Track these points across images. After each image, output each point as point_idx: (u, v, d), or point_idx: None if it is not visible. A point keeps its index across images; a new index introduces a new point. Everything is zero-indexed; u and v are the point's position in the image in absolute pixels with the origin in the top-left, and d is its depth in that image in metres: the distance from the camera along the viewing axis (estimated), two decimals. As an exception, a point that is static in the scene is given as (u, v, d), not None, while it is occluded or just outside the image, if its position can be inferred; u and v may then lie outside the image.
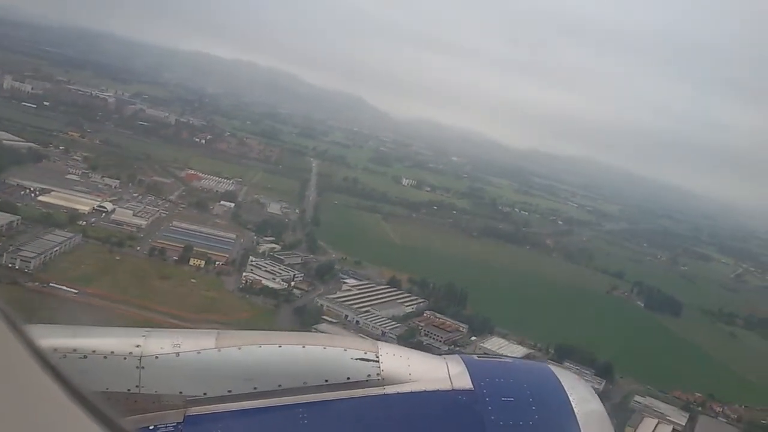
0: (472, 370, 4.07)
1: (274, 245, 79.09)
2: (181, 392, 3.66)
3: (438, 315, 69.73)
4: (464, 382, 3.96)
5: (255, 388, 3.72)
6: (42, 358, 1.46)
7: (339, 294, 69.37)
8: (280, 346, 3.86)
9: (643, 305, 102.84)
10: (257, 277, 66.08)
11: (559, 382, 4.09)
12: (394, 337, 60.33)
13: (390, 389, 3.85)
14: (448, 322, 68.51)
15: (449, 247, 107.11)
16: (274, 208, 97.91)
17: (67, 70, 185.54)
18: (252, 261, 70.89)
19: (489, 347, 62.36)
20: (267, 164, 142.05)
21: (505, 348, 64.40)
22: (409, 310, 69.83)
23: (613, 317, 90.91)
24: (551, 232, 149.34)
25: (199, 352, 3.73)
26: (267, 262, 71.80)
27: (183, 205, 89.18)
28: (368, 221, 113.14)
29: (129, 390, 3.59)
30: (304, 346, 3.89)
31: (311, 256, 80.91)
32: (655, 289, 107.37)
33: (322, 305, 64.72)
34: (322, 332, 55.64)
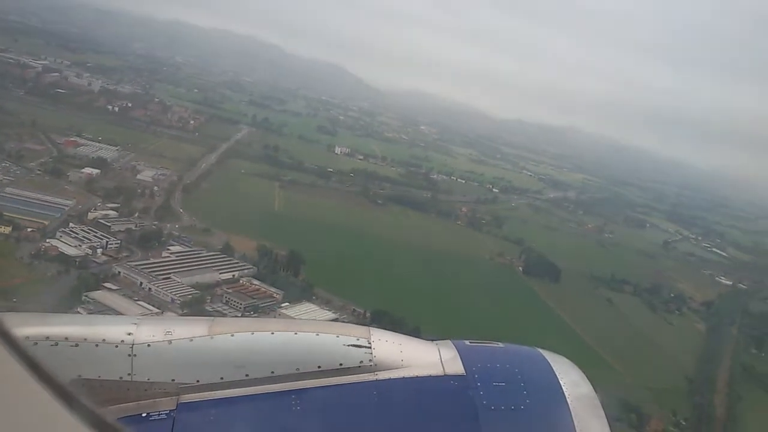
0: (464, 355, 4.13)
1: (111, 212, 77.98)
2: (173, 380, 3.67)
3: (255, 282, 68.78)
4: (456, 367, 4.02)
5: (247, 375, 3.74)
6: (13, 345, 1.42)
7: (152, 261, 68.36)
8: (272, 333, 3.88)
9: (521, 271, 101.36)
10: (60, 244, 65.33)
11: (551, 366, 4.14)
12: (179, 302, 59.54)
13: (382, 375, 3.90)
14: (262, 289, 67.38)
15: (334, 215, 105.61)
16: (147, 174, 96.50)
17: (15, 39, 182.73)
18: (69, 228, 69.94)
19: (290, 313, 61.41)
20: (181, 132, 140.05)
21: (312, 312, 63.55)
22: (225, 277, 68.70)
23: (477, 282, 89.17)
24: (474, 200, 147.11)
25: (191, 340, 3.75)
26: (86, 228, 70.78)
27: (39, 171, 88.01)
28: (261, 189, 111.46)
29: (121, 378, 3.60)
30: (296, 333, 3.91)
31: (153, 223, 79.90)
32: (542, 256, 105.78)
33: (118, 272, 63.82)
34: (94, 299, 55.11)
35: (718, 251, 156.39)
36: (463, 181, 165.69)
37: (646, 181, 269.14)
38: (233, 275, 69.64)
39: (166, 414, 3.59)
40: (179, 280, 63.89)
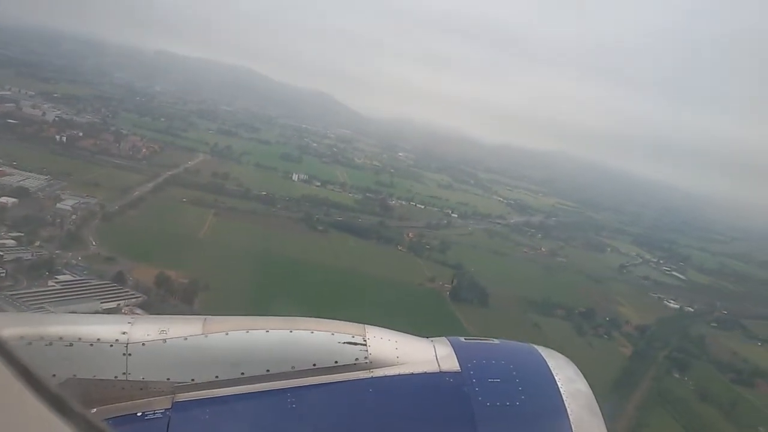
0: (459, 352, 4.16)
1: (9, 241, 77.05)
2: (168, 379, 3.69)
3: (138, 311, 67.30)
4: (451, 364, 4.06)
5: (243, 374, 3.76)
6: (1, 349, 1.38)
7: (32, 290, 67.20)
8: (267, 331, 3.89)
9: (448, 295, 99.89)
10: (-66, 273, 64.53)
11: (546, 363, 4.16)
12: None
13: (377, 372, 3.93)
14: (143, 319, 66.06)
15: (263, 242, 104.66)
16: (68, 203, 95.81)
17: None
18: (-46, 257, 69.16)
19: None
20: (127, 160, 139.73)
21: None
22: (109, 306, 67.32)
23: (393, 307, 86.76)
24: (425, 226, 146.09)
25: (186, 339, 3.76)
26: (-28, 258, 69.99)
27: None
28: (192, 216, 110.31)
29: (116, 377, 3.62)
30: (291, 331, 3.93)
31: (55, 252, 78.92)
32: (474, 281, 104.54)
33: (-9, 302, 62.83)
34: None
35: (678, 274, 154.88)
36: (423, 207, 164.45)
37: (627, 205, 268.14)
38: (118, 304, 68.41)
39: (161, 413, 3.58)
40: (52, 310, 62.56)
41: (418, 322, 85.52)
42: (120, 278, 74.66)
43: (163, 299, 71.90)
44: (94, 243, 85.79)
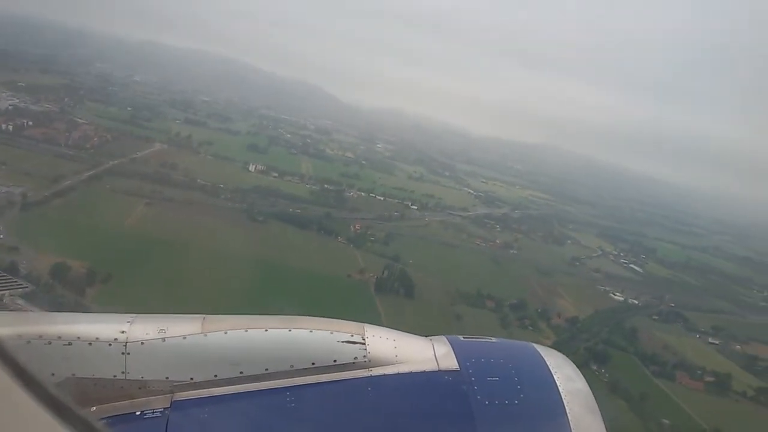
0: (458, 350, 4.17)
1: None
2: (167, 378, 3.70)
3: (20, 301, 66.38)
4: (450, 362, 4.06)
5: (241, 373, 3.77)
6: None
7: None
8: (266, 330, 3.90)
9: (374, 287, 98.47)
10: None
11: (544, 361, 4.17)
12: None
13: (376, 371, 3.93)
14: (24, 309, 64.78)
15: (189, 232, 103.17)
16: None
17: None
18: None
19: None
20: (74, 150, 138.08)
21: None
22: (-9, 296, 66.58)
23: (310, 298, 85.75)
24: (376, 218, 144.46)
25: (185, 338, 3.78)
26: None
27: None
28: (121, 207, 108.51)
29: (115, 376, 3.63)
30: (290, 330, 3.93)
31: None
32: (404, 272, 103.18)
33: None
34: None
35: (636, 267, 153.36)
36: (382, 199, 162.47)
37: (608, 199, 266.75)
38: (2, 294, 67.28)
39: (160, 412, 3.57)
40: (-77, 299, 61.67)
41: (329, 313, 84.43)
42: (12, 268, 73.43)
43: (51, 290, 70.70)
44: (2, 233, 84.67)
